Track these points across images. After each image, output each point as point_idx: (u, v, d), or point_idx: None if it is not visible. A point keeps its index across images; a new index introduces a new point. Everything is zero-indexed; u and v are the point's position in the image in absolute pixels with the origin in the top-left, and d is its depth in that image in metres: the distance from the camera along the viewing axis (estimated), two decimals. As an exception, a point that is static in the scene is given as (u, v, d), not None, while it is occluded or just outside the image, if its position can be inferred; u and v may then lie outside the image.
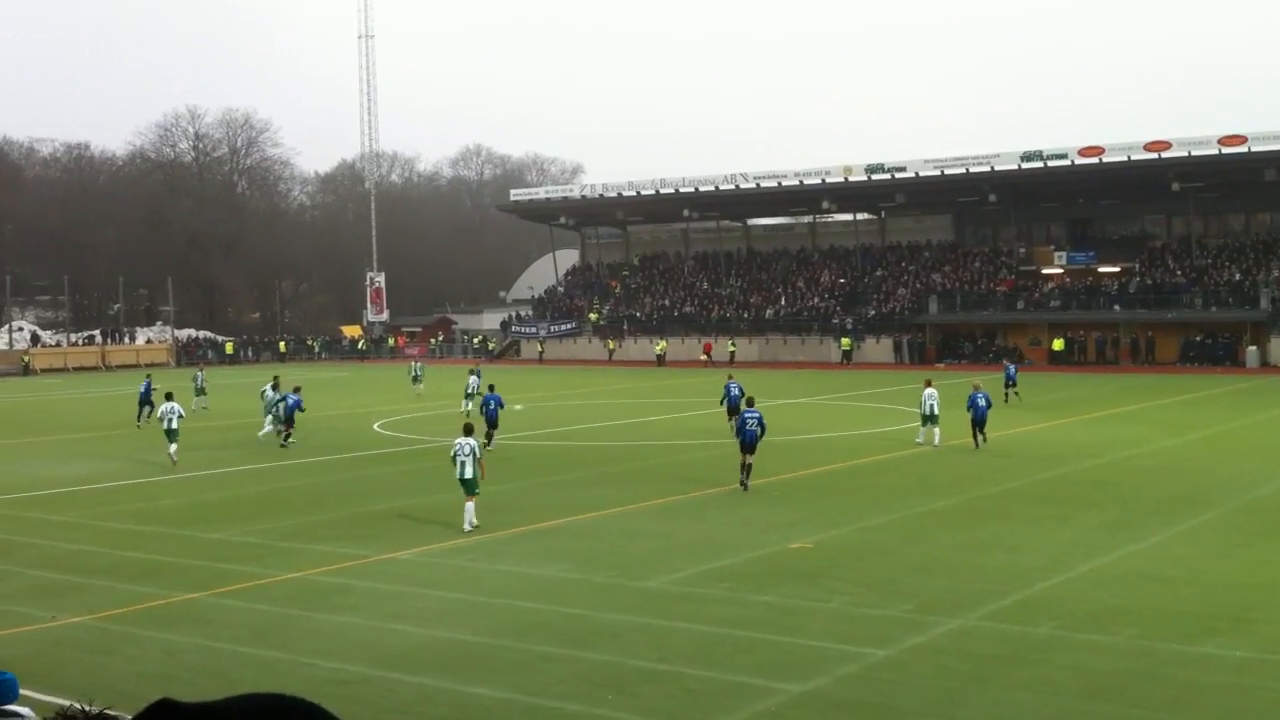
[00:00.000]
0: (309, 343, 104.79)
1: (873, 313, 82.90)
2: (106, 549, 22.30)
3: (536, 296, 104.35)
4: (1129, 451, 33.55)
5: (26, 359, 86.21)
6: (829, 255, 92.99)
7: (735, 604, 17.38)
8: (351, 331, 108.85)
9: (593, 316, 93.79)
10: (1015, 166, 78.15)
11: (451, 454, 23.35)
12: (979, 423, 33.93)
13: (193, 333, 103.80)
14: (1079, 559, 19.81)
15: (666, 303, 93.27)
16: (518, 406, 42.82)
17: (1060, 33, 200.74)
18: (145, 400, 43.81)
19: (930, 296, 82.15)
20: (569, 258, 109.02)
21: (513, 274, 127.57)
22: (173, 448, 33.59)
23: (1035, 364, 72.58)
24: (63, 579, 19.94)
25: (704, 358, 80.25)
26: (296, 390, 38.70)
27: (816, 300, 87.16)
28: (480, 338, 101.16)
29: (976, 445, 33.89)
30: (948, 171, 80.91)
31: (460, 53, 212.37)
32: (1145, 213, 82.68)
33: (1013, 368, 50.83)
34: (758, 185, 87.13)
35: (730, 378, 41.51)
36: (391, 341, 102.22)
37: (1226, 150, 71.67)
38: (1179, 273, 76.24)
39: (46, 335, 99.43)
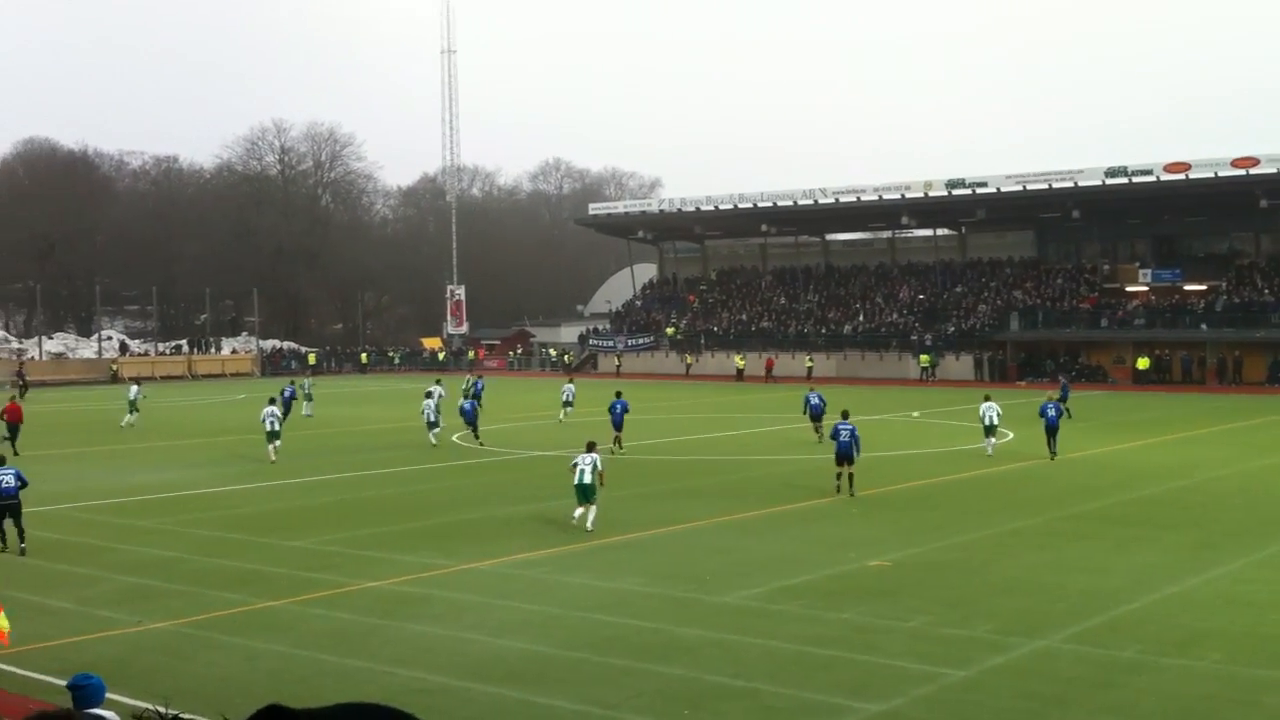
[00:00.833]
0: (389, 354, 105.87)
1: (952, 329, 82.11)
2: (191, 555, 22.69)
3: (614, 310, 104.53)
4: (1214, 473, 32.96)
5: (115, 367, 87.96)
6: (908, 271, 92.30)
7: (813, 621, 17.30)
8: (431, 343, 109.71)
9: (670, 331, 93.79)
10: (1099, 182, 76.98)
11: (571, 463, 25.07)
12: (1051, 431, 35.59)
13: (276, 343, 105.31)
14: (1163, 581, 19.51)
15: (744, 317, 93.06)
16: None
17: (1142, 44, 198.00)
18: (287, 404, 47.12)
19: (1011, 313, 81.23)
20: (646, 271, 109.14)
21: (590, 288, 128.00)
22: (273, 446, 36.86)
23: (1120, 383, 71.44)
24: (149, 584, 20.35)
25: (765, 374, 79.81)
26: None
27: (895, 316, 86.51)
28: (559, 351, 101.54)
29: (1052, 456, 35.13)
30: (1030, 187, 79.93)
31: (540, 67, 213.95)
32: (1233, 230, 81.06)
33: (1067, 385, 53.19)
34: (837, 200, 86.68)
35: (811, 389, 43.89)
36: (471, 354, 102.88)
37: (1317, 167, 70.24)
38: (1267, 291, 74.65)
39: (135, 344, 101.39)
